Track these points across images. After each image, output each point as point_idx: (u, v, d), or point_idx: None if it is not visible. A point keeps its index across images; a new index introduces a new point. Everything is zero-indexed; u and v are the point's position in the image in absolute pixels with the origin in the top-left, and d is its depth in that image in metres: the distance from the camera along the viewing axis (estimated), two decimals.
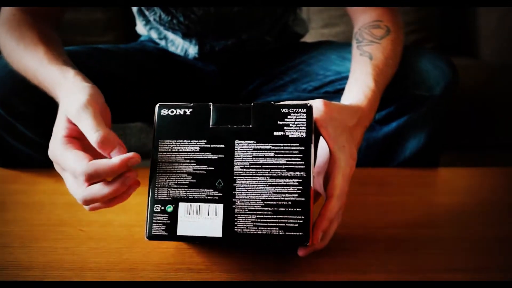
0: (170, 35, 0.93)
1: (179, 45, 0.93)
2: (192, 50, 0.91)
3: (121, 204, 0.64)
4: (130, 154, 0.43)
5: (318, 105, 0.52)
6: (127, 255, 0.52)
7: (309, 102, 0.49)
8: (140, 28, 1.00)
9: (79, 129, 0.47)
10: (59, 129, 0.48)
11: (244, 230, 0.45)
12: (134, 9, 0.93)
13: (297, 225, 0.45)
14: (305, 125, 0.47)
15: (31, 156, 0.77)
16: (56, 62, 0.59)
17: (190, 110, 0.49)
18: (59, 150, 0.47)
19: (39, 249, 0.53)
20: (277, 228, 0.45)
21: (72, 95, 0.50)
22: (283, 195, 0.46)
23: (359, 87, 0.62)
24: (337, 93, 0.81)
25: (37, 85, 0.61)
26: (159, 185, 0.48)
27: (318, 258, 0.51)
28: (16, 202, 0.66)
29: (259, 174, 0.47)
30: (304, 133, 0.47)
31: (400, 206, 0.65)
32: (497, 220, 0.62)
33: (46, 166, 0.68)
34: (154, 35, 0.94)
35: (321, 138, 0.54)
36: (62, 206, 0.64)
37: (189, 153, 0.48)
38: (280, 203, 0.46)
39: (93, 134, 0.44)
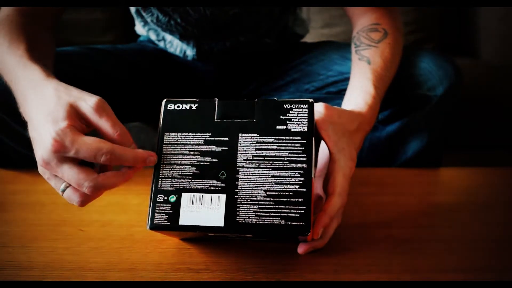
0: (168, 36, 0.92)
1: (178, 47, 0.92)
2: (190, 52, 0.91)
3: (121, 204, 0.65)
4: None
5: (319, 109, 0.52)
6: (127, 255, 0.52)
7: (311, 99, 0.50)
8: (139, 28, 1.00)
9: (81, 122, 0.46)
10: (59, 119, 0.45)
11: (246, 220, 0.46)
12: (132, 10, 0.92)
13: (298, 215, 0.46)
14: (306, 120, 0.49)
15: (27, 156, 0.76)
16: (32, 62, 0.55)
17: (196, 105, 0.51)
18: (71, 139, 0.44)
19: (38, 249, 0.53)
20: (279, 218, 0.46)
21: (73, 90, 0.48)
22: (285, 186, 0.47)
23: (359, 93, 0.63)
24: (340, 94, 0.81)
25: (8, 83, 0.57)
26: (163, 176, 0.48)
27: (318, 258, 0.51)
28: (16, 202, 0.66)
29: (261, 166, 0.48)
30: (306, 127, 0.49)
31: (400, 206, 0.65)
32: (497, 220, 0.62)
33: None
34: (152, 36, 0.94)
35: (321, 142, 0.55)
36: (62, 206, 0.64)
37: (194, 146, 0.49)
38: (282, 193, 0.47)
39: (115, 130, 0.45)
